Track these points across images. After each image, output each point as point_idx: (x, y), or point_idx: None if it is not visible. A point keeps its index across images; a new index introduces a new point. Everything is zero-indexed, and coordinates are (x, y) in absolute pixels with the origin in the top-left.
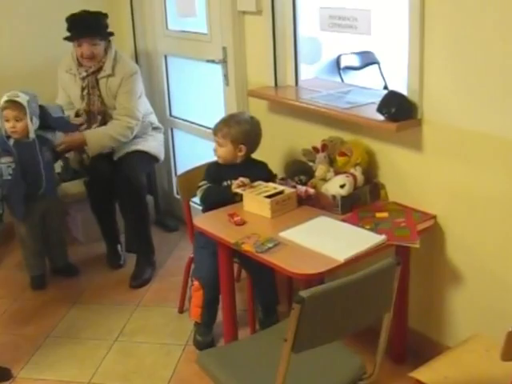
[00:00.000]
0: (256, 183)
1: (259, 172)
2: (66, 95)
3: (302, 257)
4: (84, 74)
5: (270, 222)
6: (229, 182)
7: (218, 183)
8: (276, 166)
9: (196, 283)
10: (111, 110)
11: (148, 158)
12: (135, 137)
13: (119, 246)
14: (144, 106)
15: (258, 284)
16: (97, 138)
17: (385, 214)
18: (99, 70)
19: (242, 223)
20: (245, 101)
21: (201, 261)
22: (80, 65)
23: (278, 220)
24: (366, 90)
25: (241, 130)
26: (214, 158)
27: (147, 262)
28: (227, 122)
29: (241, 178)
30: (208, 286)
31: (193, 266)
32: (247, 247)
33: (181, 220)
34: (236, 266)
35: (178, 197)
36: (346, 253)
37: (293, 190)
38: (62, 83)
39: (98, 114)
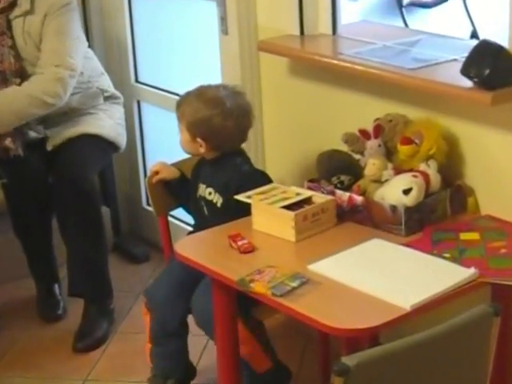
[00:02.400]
0: (269, 186)
1: (241, 182)
2: None
3: (345, 303)
4: None
5: (293, 249)
6: (200, 185)
7: (195, 185)
8: (302, 161)
9: (144, 305)
10: (34, 67)
11: (101, 145)
12: (79, 112)
13: (57, 287)
14: (86, 59)
15: None
16: (4, 99)
17: (474, 236)
18: (12, 6)
19: (250, 250)
20: (253, 58)
21: (161, 274)
22: None
23: (307, 245)
24: (442, 39)
25: (196, 117)
26: None
27: (101, 312)
28: (191, 96)
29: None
30: (156, 309)
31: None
32: (259, 287)
33: (153, 245)
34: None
35: (150, 208)
36: (414, 296)
37: (330, 197)
38: None
39: (14, 76)
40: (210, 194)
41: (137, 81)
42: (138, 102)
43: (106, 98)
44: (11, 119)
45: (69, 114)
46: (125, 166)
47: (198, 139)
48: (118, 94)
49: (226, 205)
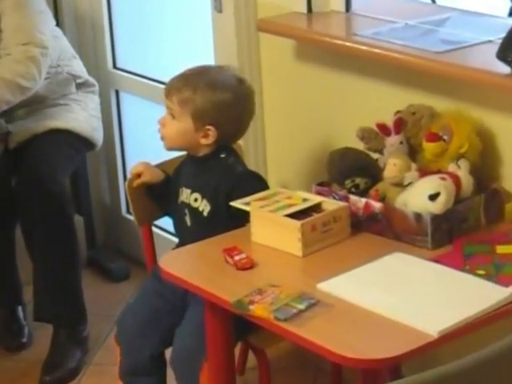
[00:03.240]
0: (271, 190)
1: (234, 183)
2: None
3: (361, 328)
4: None
5: (300, 264)
6: (183, 190)
7: (176, 190)
8: (310, 161)
9: (114, 336)
10: None
11: (73, 142)
12: (47, 103)
13: (21, 310)
14: (54, 38)
15: None
16: None
17: None
18: None
19: (248, 266)
20: (252, 40)
21: (134, 300)
22: None
23: (316, 260)
24: (476, 17)
25: (215, 100)
26: None
27: (73, 339)
28: (194, 77)
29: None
30: (123, 342)
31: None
32: (259, 310)
33: (134, 260)
34: (238, 348)
35: (130, 217)
36: (442, 321)
37: (342, 204)
38: None
39: None
40: (195, 200)
41: (115, 67)
42: (117, 92)
43: (79, 86)
44: None
45: (35, 105)
46: (101, 166)
47: (209, 127)
48: (92, 80)
49: (213, 213)
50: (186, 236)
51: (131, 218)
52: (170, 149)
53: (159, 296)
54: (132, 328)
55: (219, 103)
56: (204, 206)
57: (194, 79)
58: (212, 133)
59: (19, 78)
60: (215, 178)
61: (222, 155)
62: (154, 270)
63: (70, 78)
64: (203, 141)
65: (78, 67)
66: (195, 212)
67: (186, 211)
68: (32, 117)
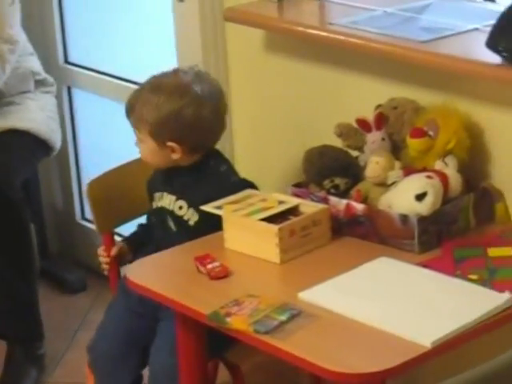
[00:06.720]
0: (244, 193)
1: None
2: None
3: (348, 340)
4: None
5: (279, 272)
6: (163, 195)
7: (152, 193)
8: (284, 161)
9: (87, 365)
10: None
11: (30, 144)
12: (3, 101)
13: None
14: (20, 30)
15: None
16: None
17: (507, 251)
18: None
19: (223, 275)
20: (218, 31)
21: (103, 323)
22: None
23: (296, 267)
24: (457, 3)
25: (160, 115)
26: None
27: (29, 357)
28: (138, 94)
29: None
30: (98, 371)
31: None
32: (237, 323)
33: (91, 269)
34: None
35: (87, 224)
36: (435, 331)
37: (322, 206)
38: None
39: None
40: (180, 208)
41: (66, 61)
42: (69, 89)
43: (37, 85)
44: None
45: None
46: (53, 169)
47: (169, 143)
48: (50, 79)
49: (201, 223)
50: (169, 239)
51: (87, 224)
52: (155, 168)
53: (133, 314)
54: (108, 353)
55: (168, 116)
56: (191, 215)
57: (144, 94)
58: (177, 148)
59: None
60: (207, 187)
61: (212, 162)
62: (121, 286)
63: (28, 73)
64: (174, 156)
65: (36, 64)
66: (179, 220)
67: (169, 217)
68: None
